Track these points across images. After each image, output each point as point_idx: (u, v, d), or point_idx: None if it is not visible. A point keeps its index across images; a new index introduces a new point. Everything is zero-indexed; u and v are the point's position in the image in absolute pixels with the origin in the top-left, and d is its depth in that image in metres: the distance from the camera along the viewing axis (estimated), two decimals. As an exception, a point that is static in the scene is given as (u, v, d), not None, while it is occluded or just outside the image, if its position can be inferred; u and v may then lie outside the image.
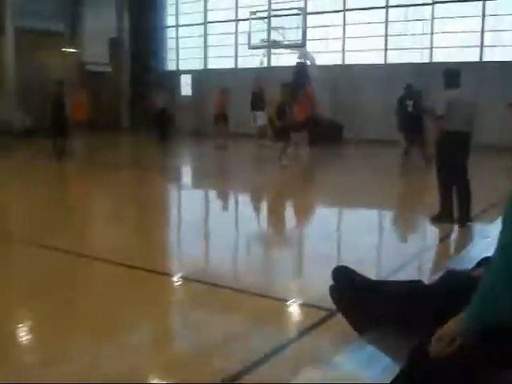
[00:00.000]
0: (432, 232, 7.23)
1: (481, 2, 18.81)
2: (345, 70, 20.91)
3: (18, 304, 4.58)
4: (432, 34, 19.82)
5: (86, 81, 22.15)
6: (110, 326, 4.02)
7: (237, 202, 10.30)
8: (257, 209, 9.51)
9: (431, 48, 19.87)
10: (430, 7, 19.79)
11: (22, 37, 21.10)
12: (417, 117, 12.96)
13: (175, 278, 5.28)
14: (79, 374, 3.24)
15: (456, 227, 7.01)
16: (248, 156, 17.14)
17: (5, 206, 9.16)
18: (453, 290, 2.22)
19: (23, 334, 4.01)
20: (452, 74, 7.15)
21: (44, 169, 13.54)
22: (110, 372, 3.28)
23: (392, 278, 4.81)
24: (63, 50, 23.43)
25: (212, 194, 11.04)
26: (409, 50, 20.38)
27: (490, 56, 18.92)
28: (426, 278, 3.32)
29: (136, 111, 24.72)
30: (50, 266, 5.50)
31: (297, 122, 13.79)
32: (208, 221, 8.37)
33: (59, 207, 9.09)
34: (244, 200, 10.41)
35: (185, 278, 5.17)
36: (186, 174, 14.48)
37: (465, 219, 6.96)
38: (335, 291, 2.60)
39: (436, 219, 7.08)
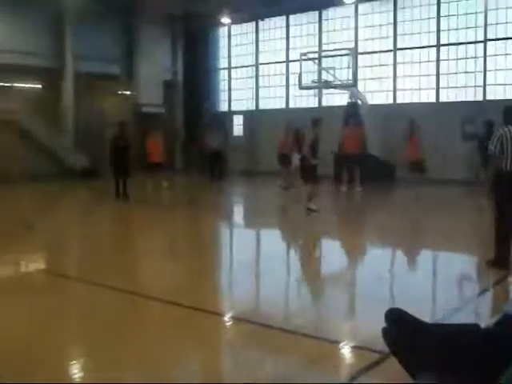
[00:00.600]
0: (487, 275, 7.03)
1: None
2: (396, 108, 20.84)
3: (72, 342, 4.67)
4: (485, 71, 19.60)
5: (141, 122, 22.71)
6: (161, 364, 4.04)
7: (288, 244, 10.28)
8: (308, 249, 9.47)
9: (484, 86, 19.62)
10: (481, 44, 19.62)
11: (80, 80, 21.91)
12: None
13: (226, 318, 5.28)
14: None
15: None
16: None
17: (69, 245, 9.42)
18: (510, 334, 2.16)
19: (76, 370, 4.07)
20: (509, 111, 7.01)
21: (106, 208, 13.84)
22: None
23: (447, 321, 4.71)
24: (119, 92, 24.16)
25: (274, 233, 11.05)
26: (461, 88, 20.20)
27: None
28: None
29: (189, 152, 25.11)
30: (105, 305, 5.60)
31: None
32: (272, 260, 8.37)
33: (118, 245, 9.25)
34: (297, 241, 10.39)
35: (236, 318, 5.17)
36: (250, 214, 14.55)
37: None
38: (388, 333, 2.56)
39: (491, 264, 6.88)
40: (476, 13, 19.64)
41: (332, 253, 9.00)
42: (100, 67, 22.46)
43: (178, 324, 4.97)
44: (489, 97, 19.27)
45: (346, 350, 4.34)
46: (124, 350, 4.33)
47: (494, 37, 19.35)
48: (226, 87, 26.83)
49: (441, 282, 6.96)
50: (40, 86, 22.14)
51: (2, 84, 20.87)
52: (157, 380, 3.78)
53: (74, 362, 4.24)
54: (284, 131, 17.69)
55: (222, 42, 26.73)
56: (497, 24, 19.27)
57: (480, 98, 19.55)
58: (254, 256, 8.59)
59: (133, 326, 4.97)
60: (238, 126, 25.80)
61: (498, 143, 6.65)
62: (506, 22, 19.04)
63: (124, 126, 14.89)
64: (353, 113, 19.18)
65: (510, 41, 19.06)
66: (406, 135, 15.37)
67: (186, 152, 25.58)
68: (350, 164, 16.70)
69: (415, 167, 14.65)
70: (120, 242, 9.73)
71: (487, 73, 19.55)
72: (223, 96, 26.98)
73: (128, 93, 24.29)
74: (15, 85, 21.37)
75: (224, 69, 26.78)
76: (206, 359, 4.28)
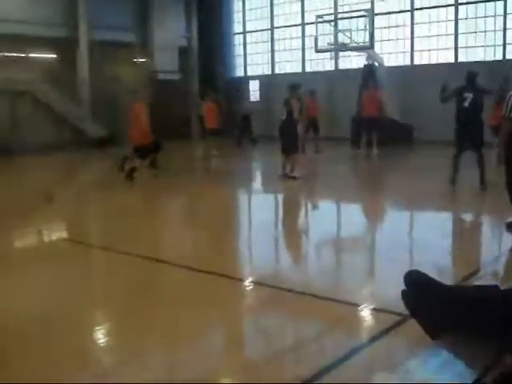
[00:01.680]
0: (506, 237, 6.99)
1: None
2: (414, 70, 20.57)
3: (97, 308, 4.77)
4: (505, 30, 19.21)
5: (157, 89, 22.61)
6: (185, 329, 4.11)
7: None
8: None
9: (504, 45, 19.25)
10: (501, 2, 19.20)
11: (95, 49, 21.84)
12: None
13: (247, 283, 5.34)
14: (154, 374, 3.34)
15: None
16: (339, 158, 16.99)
17: (91, 214, 9.53)
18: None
19: (102, 336, 4.16)
20: None
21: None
22: (184, 375, 3.36)
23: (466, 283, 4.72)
24: (134, 60, 24.05)
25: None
26: (480, 48, 19.85)
27: None
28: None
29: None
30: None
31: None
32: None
33: (139, 213, 9.33)
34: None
35: (257, 283, 5.23)
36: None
37: None
38: (407, 296, 2.57)
39: (510, 226, 6.83)
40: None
41: (348, 215, 9.01)
42: (114, 35, 22.31)
43: (198, 290, 5.03)
44: (509, 56, 18.93)
45: (365, 313, 4.38)
46: (147, 316, 4.40)
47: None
48: (242, 52, 26.61)
49: (459, 244, 6.96)
50: (55, 55, 22.09)
51: (17, 55, 20.87)
52: (181, 345, 3.85)
53: (99, 327, 4.33)
54: (308, 95, 17.48)
55: (236, 7, 26.43)
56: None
57: (499, 57, 19.22)
58: (270, 220, 8.63)
59: (155, 292, 5.04)
60: (254, 92, 25.64)
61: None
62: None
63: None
64: (370, 75, 18.97)
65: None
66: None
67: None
68: (368, 127, 16.55)
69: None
70: (142, 210, 9.79)
71: (507, 31, 19.17)
72: (239, 61, 26.78)
73: (143, 60, 24.17)
74: (30, 55, 21.33)
75: (239, 33, 26.52)
76: (227, 323, 4.34)
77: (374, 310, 4.36)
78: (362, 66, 20.12)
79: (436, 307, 2.42)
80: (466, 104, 9.51)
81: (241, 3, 26.15)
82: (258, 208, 10.21)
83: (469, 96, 9.54)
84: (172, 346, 3.86)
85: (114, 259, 6.19)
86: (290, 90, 12.12)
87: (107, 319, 4.53)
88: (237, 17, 26.48)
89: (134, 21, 23.77)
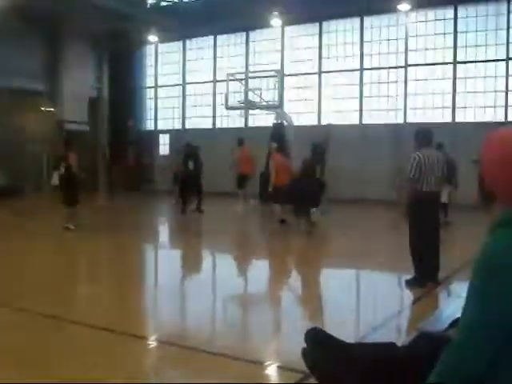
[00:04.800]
0: (407, 293, 7.20)
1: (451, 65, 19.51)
2: (322, 130, 21.24)
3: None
4: (406, 95, 20.36)
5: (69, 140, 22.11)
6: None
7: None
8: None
9: (405, 109, 20.37)
10: (402, 70, 20.40)
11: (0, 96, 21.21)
12: None
13: (150, 342, 5.19)
14: None
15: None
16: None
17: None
18: (425, 351, 2.21)
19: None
20: (425, 133, 7.23)
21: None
22: None
23: (370, 339, 4.80)
24: (42, 109, 23.52)
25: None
26: (383, 112, 20.89)
27: (463, 117, 19.45)
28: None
29: (113, 172, 24.72)
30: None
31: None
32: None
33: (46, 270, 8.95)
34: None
35: (160, 341, 5.09)
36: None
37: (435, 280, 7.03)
38: (307, 353, 2.57)
39: (410, 283, 7.09)
40: (397, 39, 20.43)
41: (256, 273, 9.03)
42: (21, 83, 21.79)
43: (99, 348, 4.84)
44: (410, 120, 20.00)
45: (269, 371, 4.35)
46: (43, 376, 4.17)
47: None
48: (153, 106, 26.67)
49: (362, 301, 7.10)
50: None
51: None
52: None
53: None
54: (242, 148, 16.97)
55: (149, 61, 26.60)
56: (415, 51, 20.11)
57: (401, 120, 20.29)
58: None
59: (54, 352, 4.80)
60: (164, 145, 25.64)
61: (418, 168, 6.88)
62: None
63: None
64: (278, 134, 19.31)
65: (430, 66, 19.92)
66: None
67: (111, 171, 25.13)
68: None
69: None
70: (48, 266, 9.41)
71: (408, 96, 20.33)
72: (149, 115, 26.80)
73: (51, 109, 23.69)
74: None
75: (150, 87, 26.62)
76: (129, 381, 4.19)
77: (278, 367, 4.34)
78: (271, 124, 20.55)
79: (334, 366, 2.43)
80: None
81: (153, 57, 26.35)
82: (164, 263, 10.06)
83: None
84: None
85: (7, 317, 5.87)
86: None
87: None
88: (149, 70, 26.61)
89: (43, 69, 23.31)
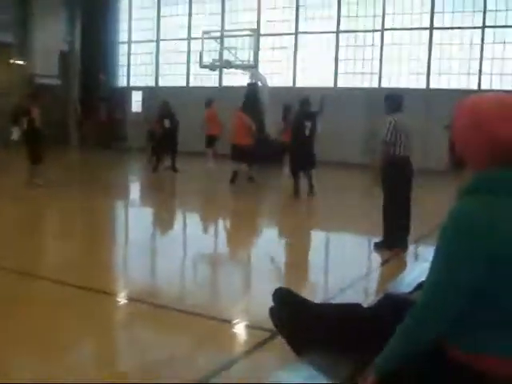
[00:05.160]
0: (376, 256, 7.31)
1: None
2: (296, 92, 21.16)
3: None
4: (381, 60, 20.35)
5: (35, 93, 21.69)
6: (54, 343, 3.94)
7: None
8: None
9: (380, 74, 20.39)
10: (378, 33, 20.34)
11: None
12: None
13: (118, 298, 5.21)
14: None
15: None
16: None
17: None
18: (388, 313, 2.26)
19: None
20: (394, 98, 7.20)
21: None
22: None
23: (337, 300, 4.89)
24: (11, 61, 22.96)
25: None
26: (359, 75, 20.88)
27: (438, 83, 19.55)
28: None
29: (84, 127, 24.39)
30: None
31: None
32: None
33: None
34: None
35: (130, 298, 5.11)
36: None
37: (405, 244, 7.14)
38: (274, 312, 2.62)
39: (378, 246, 7.20)
40: (375, 2, 20.31)
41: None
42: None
43: (68, 304, 4.85)
44: (384, 85, 20.04)
45: (237, 329, 4.41)
46: (14, 330, 4.16)
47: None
48: (126, 62, 26.21)
49: (332, 262, 7.20)
50: None
51: None
52: (49, 358, 3.69)
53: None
54: (209, 106, 16.29)
55: (123, 15, 26.03)
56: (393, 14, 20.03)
57: (376, 85, 20.31)
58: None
59: (21, 307, 4.78)
60: (136, 102, 25.32)
61: (394, 132, 6.85)
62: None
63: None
64: (253, 94, 19.23)
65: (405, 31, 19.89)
66: None
67: (81, 127, 24.78)
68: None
69: None
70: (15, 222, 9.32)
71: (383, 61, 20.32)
72: (122, 71, 26.36)
73: (21, 62, 23.14)
74: None
75: (124, 43, 26.11)
76: (98, 339, 4.21)
77: (246, 326, 4.40)
78: (245, 84, 20.42)
79: (300, 324, 2.48)
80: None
81: (127, 12, 25.80)
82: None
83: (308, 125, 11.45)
84: (41, 360, 3.69)
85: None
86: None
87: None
88: (122, 25, 26.07)
89: (13, 20, 22.66)
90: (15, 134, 12.07)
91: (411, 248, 7.28)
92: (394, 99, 7.17)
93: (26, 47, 23.03)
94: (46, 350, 3.83)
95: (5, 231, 7.92)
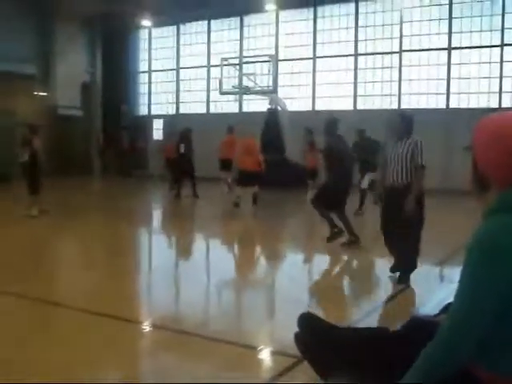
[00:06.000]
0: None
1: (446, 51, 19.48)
2: (315, 115, 21.20)
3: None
4: (400, 81, 20.34)
5: (57, 125, 22.02)
6: (77, 372, 3.93)
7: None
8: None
9: (399, 95, 20.36)
10: (397, 55, 20.35)
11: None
12: None
13: (143, 326, 5.20)
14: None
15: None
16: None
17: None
18: (415, 336, 2.22)
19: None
20: (412, 118, 6.65)
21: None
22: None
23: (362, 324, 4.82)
24: (35, 93, 23.34)
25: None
26: (377, 97, 20.87)
27: (457, 103, 19.46)
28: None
29: (106, 157, 24.67)
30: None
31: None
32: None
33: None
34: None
35: (153, 326, 5.09)
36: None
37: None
38: (300, 338, 2.59)
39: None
40: (392, 24, 20.36)
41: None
42: (14, 67, 21.59)
43: (91, 331, 4.84)
44: (403, 106, 19.99)
45: (263, 355, 4.36)
46: (39, 359, 4.16)
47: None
48: (146, 90, 26.55)
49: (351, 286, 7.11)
50: None
51: None
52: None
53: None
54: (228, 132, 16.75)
55: (143, 45, 26.44)
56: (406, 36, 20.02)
57: (395, 106, 20.27)
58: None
59: (44, 335, 4.80)
60: (157, 130, 25.58)
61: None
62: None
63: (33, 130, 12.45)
64: (272, 119, 19.31)
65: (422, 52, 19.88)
66: None
67: (104, 156, 25.05)
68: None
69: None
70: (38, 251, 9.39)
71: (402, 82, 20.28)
72: (143, 99, 26.69)
73: (44, 94, 23.52)
74: None
75: (144, 72, 26.49)
76: (120, 366, 4.19)
77: (272, 352, 4.36)
78: (265, 109, 20.52)
79: (326, 349, 2.44)
80: None
81: (147, 42, 26.20)
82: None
83: None
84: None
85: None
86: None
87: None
88: (142, 55, 26.47)
89: (37, 53, 23.13)
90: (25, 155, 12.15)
91: (436, 270, 7.17)
92: (411, 119, 6.61)
93: (48, 79, 23.46)
94: (70, 379, 3.81)
95: (27, 259, 7.97)
